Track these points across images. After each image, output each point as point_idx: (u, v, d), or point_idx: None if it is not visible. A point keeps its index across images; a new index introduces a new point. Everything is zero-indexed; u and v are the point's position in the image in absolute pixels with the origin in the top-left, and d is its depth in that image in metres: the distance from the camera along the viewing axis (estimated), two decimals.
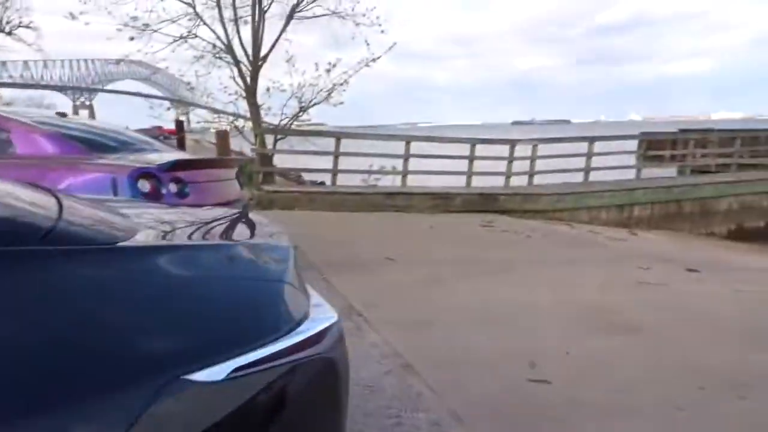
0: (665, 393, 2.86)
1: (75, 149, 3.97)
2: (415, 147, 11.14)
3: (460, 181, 11.09)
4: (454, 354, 3.33)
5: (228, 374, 0.90)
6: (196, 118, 16.72)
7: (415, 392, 2.78)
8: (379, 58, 12.53)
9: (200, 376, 0.87)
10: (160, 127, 25.60)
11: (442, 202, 10.16)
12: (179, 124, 12.20)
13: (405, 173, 10.88)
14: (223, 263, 1.15)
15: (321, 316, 1.16)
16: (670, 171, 13.92)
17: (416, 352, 3.27)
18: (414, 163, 11.06)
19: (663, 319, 4.11)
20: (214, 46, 12.25)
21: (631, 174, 12.72)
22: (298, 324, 1.07)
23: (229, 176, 4.64)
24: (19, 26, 26.44)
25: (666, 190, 11.72)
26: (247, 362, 0.93)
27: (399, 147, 11.06)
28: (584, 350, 3.45)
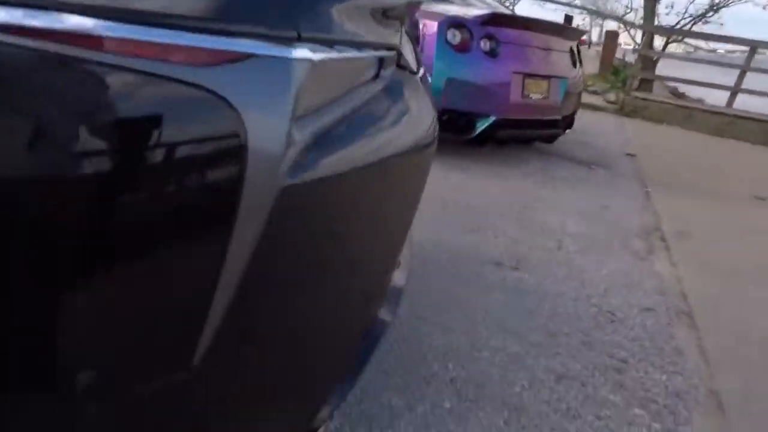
0: None
1: None
2: None
3: None
4: None
5: None
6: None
7: (672, 347, 1.92)
8: None
9: None
10: None
11: None
12: (567, 17, 11.46)
13: None
14: None
15: None
16: None
17: (712, 310, 2.28)
18: None
19: None
20: None
21: None
22: None
23: (559, 47, 3.96)
24: None
25: None
26: None
27: None
28: None
